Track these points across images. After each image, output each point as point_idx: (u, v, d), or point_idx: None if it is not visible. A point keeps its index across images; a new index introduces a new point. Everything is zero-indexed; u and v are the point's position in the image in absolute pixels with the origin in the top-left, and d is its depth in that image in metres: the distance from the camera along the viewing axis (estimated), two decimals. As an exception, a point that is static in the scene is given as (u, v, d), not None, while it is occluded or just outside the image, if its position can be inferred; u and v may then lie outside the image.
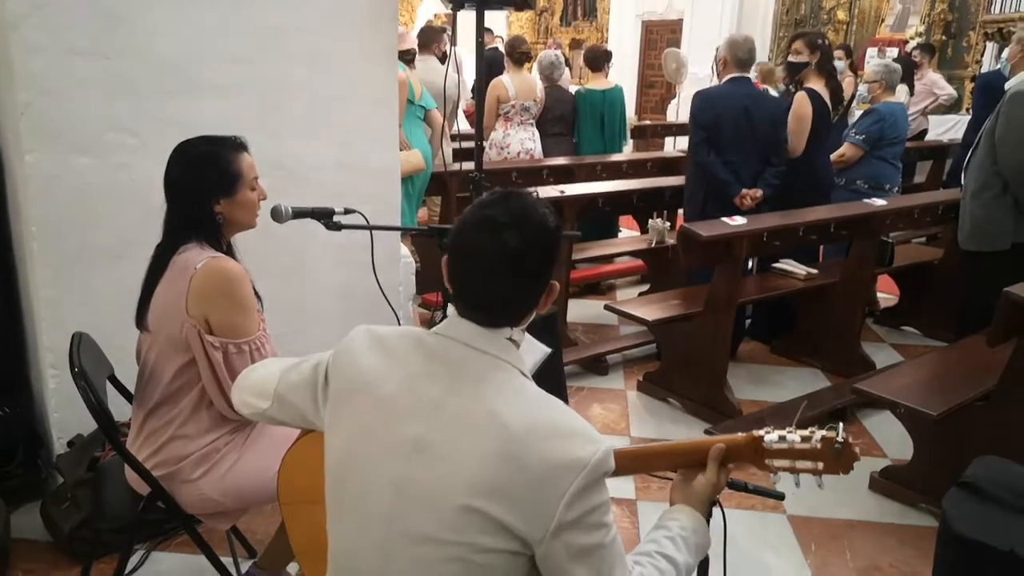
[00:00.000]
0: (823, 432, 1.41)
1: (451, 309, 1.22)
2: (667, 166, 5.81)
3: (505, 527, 1.06)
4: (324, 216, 2.15)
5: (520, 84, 5.40)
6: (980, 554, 1.67)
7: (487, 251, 1.13)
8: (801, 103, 4.18)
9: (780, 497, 1.64)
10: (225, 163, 1.83)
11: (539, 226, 1.15)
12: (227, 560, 2.13)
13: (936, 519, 2.59)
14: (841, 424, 1.42)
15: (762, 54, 10.73)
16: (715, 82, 4.36)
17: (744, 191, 3.91)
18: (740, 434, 1.43)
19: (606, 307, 3.86)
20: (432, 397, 1.13)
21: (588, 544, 1.08)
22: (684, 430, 3.45)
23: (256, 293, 1.92)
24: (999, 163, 3.36)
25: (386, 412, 1.15)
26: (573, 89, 6.01)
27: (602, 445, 1.09)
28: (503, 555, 1.08)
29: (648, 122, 10.18)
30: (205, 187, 1.82)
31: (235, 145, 1.88)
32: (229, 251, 1.92)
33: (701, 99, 3.96)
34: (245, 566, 2.25)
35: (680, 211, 4.72)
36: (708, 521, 1.42)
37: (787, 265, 4.14)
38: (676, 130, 8.54)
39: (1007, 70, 3.82)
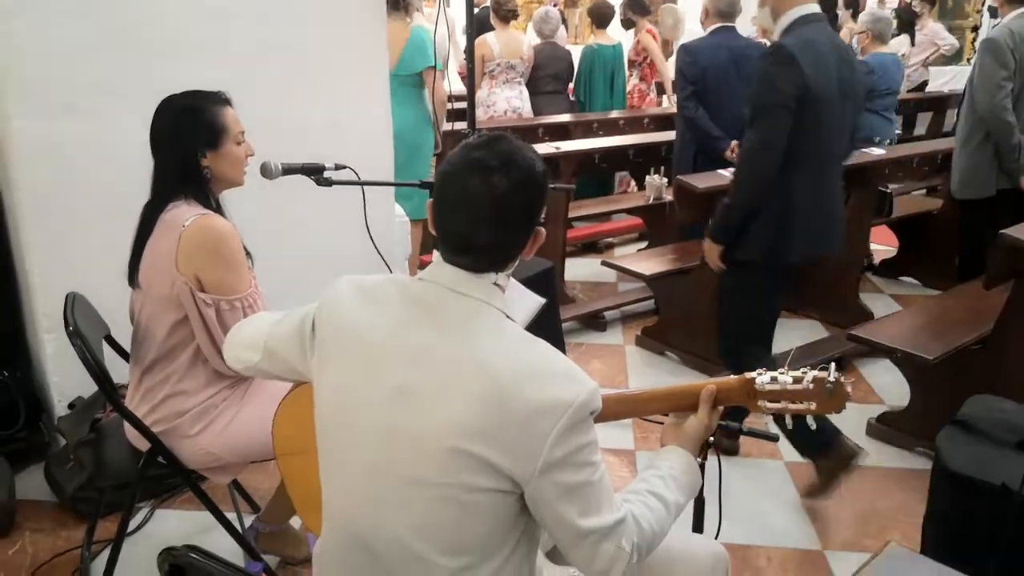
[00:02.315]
0: (815, 372, 1.42)
1: (435, 255, 1.21)
2: (664, 122, 5.76)
3: (493, 467, 1.07)
4: (314, 172, 2.13)
5: (506, 42, 5.33)
6: (973, 489, 1.69)
7: (474, 194, 1.11)
8: None
9: (774, 439, 1.66)
10: (209, 116, 1.82)
11: (527, 170, 1.14)
12: (231, 516, 2.16)
13: (932, 462, 2.61)
14: (833, 364, 1.42)
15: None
16: None
17: (732, 143, 3.89)
18: (732, 376, 1.43)
19: (604, 263, 3.86)
20: (417, 343, 1.13)
21: (575, 482, 1.09)
22: (682, 383, 3.47)
23: (246, 250, 1.91)
24: (977, 110, 3.53)
25: (372, 359, 1.15)
26: (573, 47, 5.95)
27: (587, 385, 1.10)
28: (492, 494, 1.09)
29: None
30: (190, 140, 1.81)
31: (219, 99, 1.86)
32: (218, 208, 1.91)
33: (685, 52, 3.93)
34: (249, 521, 2.28)
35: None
36: (703, 464, 1.43)
37: (784, 218, 4.12)
38: (673, 87, 8.45)
39: None
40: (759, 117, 2.38)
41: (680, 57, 3.95)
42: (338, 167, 2.16)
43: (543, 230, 1.21)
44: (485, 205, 1.11)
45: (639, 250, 5.00)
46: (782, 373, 1.44)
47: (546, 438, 1.06)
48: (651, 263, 3.71)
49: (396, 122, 3.69)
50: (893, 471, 2.80)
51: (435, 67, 3.91)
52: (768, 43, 5.40)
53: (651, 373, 3.59)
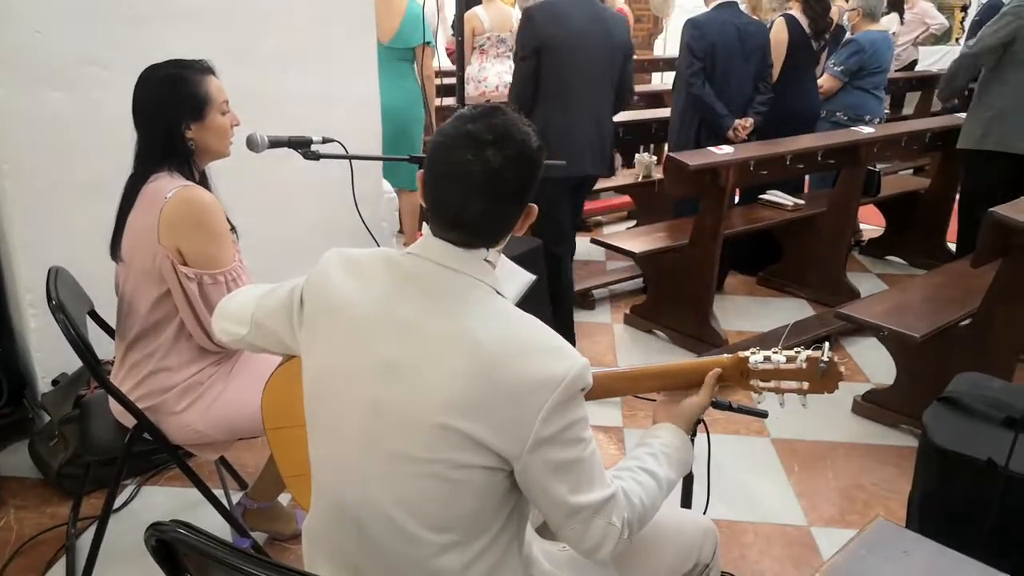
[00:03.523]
0: (808, 352, 1.42)
1: (425, 228, 1.19)
2: (654, 100, 5.73)
3: (481, 444, 1.06)
4: (301, 145, 2.10)
5: (495, 15, 5.25)
6: (960, 464, 1.70)
7: (467, 169, 1.08)
8: (778, 29, 4.12)
9: (764, 415, 1.66)
10: (192, 86, 1.78)
11: (522, 145, 1.11)
12: (218, 493, 2.14)
13: (917, 439, 2.64)
14: (827, 344, 1.42)
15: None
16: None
17: (736, 122, 3.87)
18: (725, 355, 1.43)
19: (592, 241, 3.85)
20: (406, 317, 1.11)
21: (566, 459, 1.08)
22: (671, 361, 3.48)
23: (231, 223, 1.88)
24: None
25: (360, 332, 1.14)
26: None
27: (578, 361, 1.08)
28: (480, 471, 1.08)
29: (635, 57, 9.98)
30: (173, 111, 1.77)
31: (201, 68, 1.82)
32: (203, 180, 1.88)
33: (693, 27, 3.82)
34: (236, 498, 2.27)
35: (667, 144, 4.67)
36: (692, 440, 1.43)
37: (774, 196, 4.13)
38: (663, 65, 8.39)
39: None
40: (515, 61, 3.16)
41: (688, 32, 3.83)
42: (326, 140, 2.13)
43: (535, 206, 1.19)
44: (477, 181, 1.09)
45: (628, 228, 4.99)
46: (775, 352, 1.43)
47: (536, 414, 1.05)
48: (640, 241, 3.70)
49: (391, 97, 3.65)
50: (878, 448, 2.82)
51: (428, 43, 3.86)
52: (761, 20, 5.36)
53: (639, 351, 3.59)
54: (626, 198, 5.33)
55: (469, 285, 1.12)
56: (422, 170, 1.15)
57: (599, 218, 5.61)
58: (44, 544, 2.19)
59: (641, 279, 4.19)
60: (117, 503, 2.29)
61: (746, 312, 4.04)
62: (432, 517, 1.10)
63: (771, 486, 2.59)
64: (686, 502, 1.80)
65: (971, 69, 3.80)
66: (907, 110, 7.64)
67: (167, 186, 1.76)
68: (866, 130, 4.04)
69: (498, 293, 1.15)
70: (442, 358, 1.07)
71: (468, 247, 1.13)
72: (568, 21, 3.03)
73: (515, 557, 1.19)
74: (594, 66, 3.13)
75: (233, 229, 1.89)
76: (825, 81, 4.48)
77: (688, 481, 1.79)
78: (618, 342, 3.69)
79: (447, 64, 6.09)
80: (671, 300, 3.65)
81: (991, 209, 2.50)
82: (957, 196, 4.28)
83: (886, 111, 5.21)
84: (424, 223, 1.20)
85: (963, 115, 4.50)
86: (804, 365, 1.40)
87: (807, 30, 4.15)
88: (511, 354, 1.06)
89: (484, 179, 1.09)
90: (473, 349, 1.06)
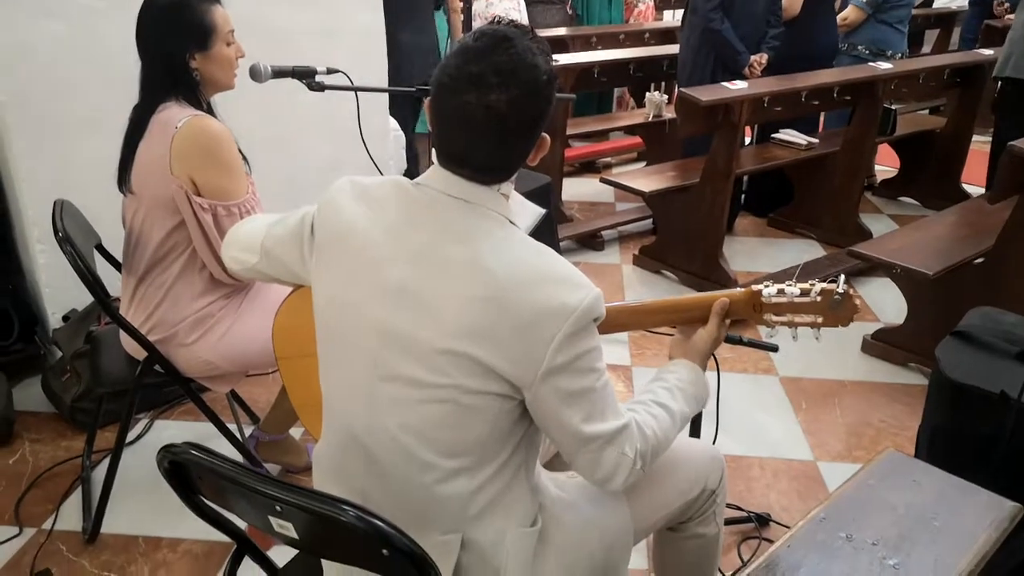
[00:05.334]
0: (823, 285, 1.39)
1: (434, 157, 1.16)
2: (666, 36, 5.60)
3: (492, 370, 1.05)
4: (306, 76, 2.04)
5: (502, -53, 5.12)
6: (972, 397, 1.70)
7: (470, 113, 1.04)
8: None
9: (774, 349, 1.65)
10: (198, 14, 1.73)
11: (530, 83, 1.06)
12: (231, 427, 2.17)
13: (926, 377, 2.64)
14: (842, 276, 1.40)
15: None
16: None
17: (752, 58, 3.78)
18: (739, 289, 1.41)
19: (602, 180, 3.81)
20: (417, 244, 1.10)
21: (578, 388, 1.08)
22: (688, 295, 3.47)
23: (243, 155, 1.85)
24: None
25: (371, 259, 1.13)
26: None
27: (592, 291, 1.08)
28: (491, 397, 1.08)
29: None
30: (178, 40, 1.72)
31: (207, -6, 1.76)
32: (209, 111, 1.85)
33: None
34: (249, 432, 2.30)
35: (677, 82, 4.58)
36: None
37: (788, 135, 4.05)
38: (675, 2, 8.18)
39: None
40: None
41: None
42: (330, 71, 2.07)
43: (547, 137, 1.15)
44: (482, 125, 1.05)
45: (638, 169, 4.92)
46: (789, 285, 1.41)
47: (549, 343, 1.04)
48: (650, 180, 3.66)
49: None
50: (887, 386, 2.83)
51: None
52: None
53: (648, 292, 3.58)
54: (636, 139, 5.25)
55: (481, 215, 1.10)
56: (428, 99, 1.11)
57: (608, 159, 5.54)
58: (59, 476, 2.23)
59: (650, 220, 4.15)
60: (130, 437, 2.32)
61: (756, 253, 4.01)
62: (442, 443, 1.10)
63: (778, 423, 2.61)
64: (694, 434, 1.82)
65: None
66: (926, 49, 7.44)
67: (177, 115, 1.73)
68: (883, 65, 3.94)
69: (511, 223, 1.13)
70: (454, 285, 1.06)
71: (480, 183, 1.11)
72: None
73: (523, 485, 1.20)
74: None
75: (246, 161, 1.87)
76: (850, 13, 4.35)
77: (696, 416, 1.79)
78: (627, 283, 3.68)
79: (454, -1, 5.93)
80: (680, 240, 3.62)
81: (1011, 143, 2.45)
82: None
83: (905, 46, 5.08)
84: (432, 151, 1.17)
85: (985, 51, 4.41)
86: (818, 298, 1.38)
87: None
88: (524, 282, 1.05)
89: (489, 124, 1.05)
90: (486, 277, 1.05)
